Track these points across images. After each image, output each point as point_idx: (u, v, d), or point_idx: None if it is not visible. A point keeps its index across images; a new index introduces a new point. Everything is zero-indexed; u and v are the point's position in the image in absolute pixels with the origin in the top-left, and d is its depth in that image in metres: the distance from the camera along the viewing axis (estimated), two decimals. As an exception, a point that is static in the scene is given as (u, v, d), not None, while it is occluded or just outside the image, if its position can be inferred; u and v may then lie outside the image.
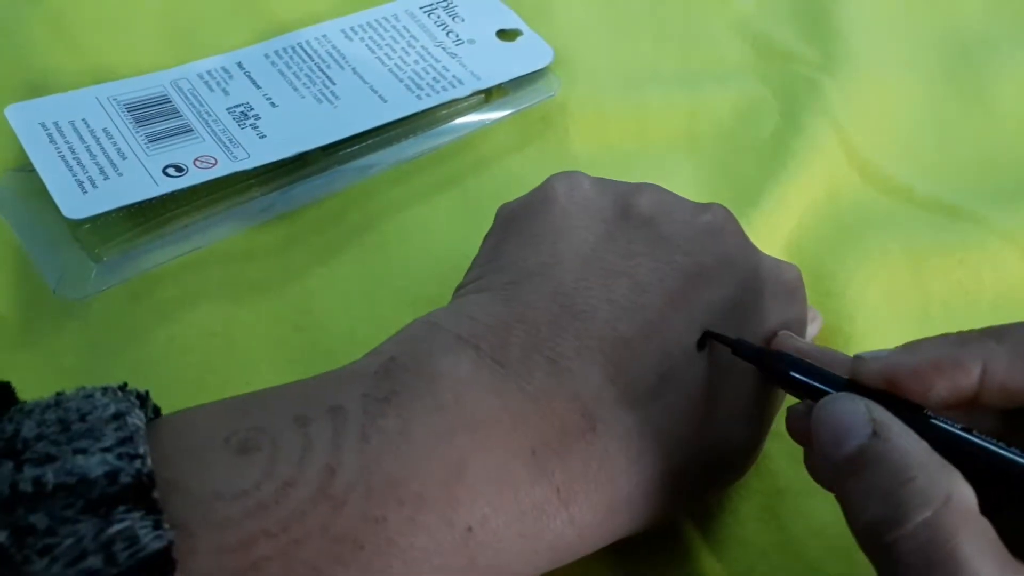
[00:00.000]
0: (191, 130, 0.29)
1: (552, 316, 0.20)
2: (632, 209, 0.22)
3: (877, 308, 0.28)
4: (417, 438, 0.18)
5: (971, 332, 0.19)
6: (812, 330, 0.25)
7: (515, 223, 0.23)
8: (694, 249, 0.22)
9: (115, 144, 0.28)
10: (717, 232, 0.22)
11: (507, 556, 0.18)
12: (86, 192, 0.26)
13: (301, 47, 0.32)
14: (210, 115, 0.29)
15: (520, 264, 0.21)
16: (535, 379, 0.19)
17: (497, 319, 0.20)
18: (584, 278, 0.21)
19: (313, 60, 0.32)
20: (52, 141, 0.28)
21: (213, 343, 0.26)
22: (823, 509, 0.23)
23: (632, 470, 0.19)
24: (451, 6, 0.35)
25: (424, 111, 0.31)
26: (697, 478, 0.21)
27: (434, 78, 0.32)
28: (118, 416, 0.16)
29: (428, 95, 0.31)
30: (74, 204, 0.26)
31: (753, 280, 0.22)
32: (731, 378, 0.21)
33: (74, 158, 0.27)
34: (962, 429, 0.17)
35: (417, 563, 0.17)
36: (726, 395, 0.21)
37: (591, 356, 0.20)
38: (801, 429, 0.20)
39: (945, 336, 0.19)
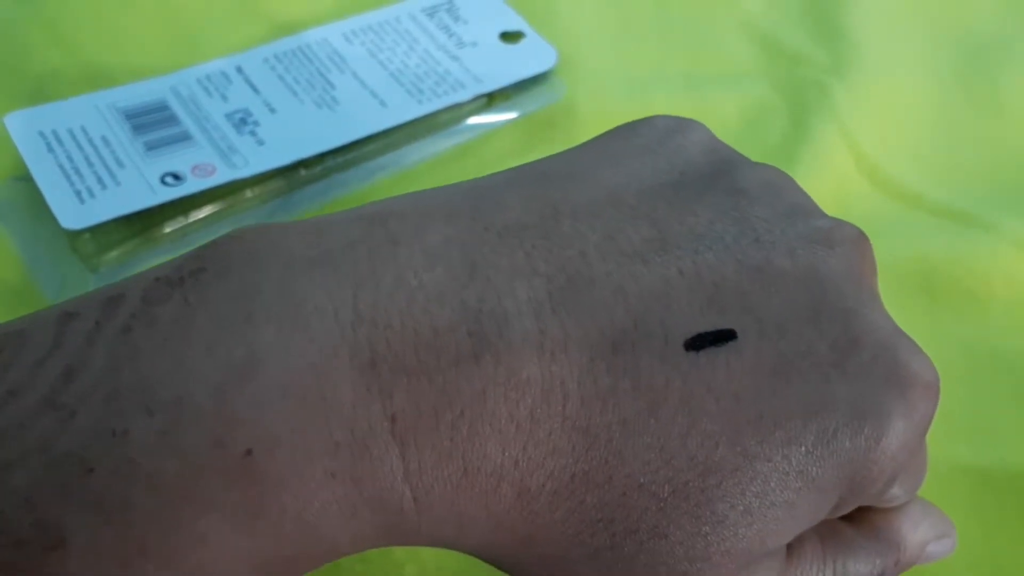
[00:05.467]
0: (190, 137, 0.28)
1: (516, 223, 0.15)
2: (730, 176, 0.17)
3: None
4: (196, 328, 0.13)
5: None
6: (940, 548, 0.18)
7: (598, 137, 0.18)
8: (775, 243, 0.16)
9: (113, 153, 0.28)
10: (826, 248, 0.16)
11: (312, 503, 0.13)
12: (84, 202, 0.26)
13: (301, 51, 0.32)
14: (208, 121, 0.29)
15: (540, 167, 0.17)
16: (427, 272, 0.14)
17: (445, 205, 0.15)
18: (597, 204, 0.16)
19: (313, 64, 0.32)
20: (51, 150, 0.27)
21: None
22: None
23: (513, 441, 0.14)
24: (454, 8, 0.34)
25: (426, 115, 0.31)
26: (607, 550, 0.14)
27: (435, 82, 0.31)
28: None
29: (429, 99, 0.31)
30: (72, 214, 0.26)
31: (843, 339, 0.15)
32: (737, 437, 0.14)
33: (72, 167, 0.27)
34: None
35: (171, 495, 0.12)
36: (715, 461, 0.14)
37: (529, 279, 0.14)
38: None
39: None
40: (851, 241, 0.17)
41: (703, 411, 0.14)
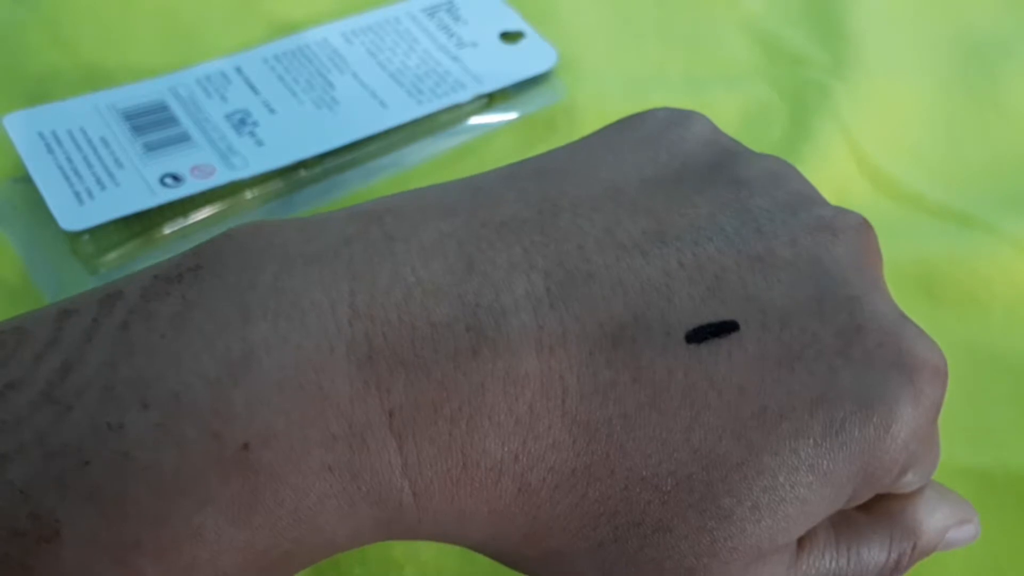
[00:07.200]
0: (189, 138, 0.28)
1: (514, 219, 0.15)
2: (731, 167, 0.17)
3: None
4: (193, 324, 0.13)
5: None
6: (961, 535, 0.18)
7: (597, 131, 0.18)
8: (777, 233, 0.15)
9: (112, 153, 0.28)
10: (829, 236, 0.16)
11: (309, 497, 0.13)
12: (83, 203, 0.26)
13: (301, 51, 0.32)
14: (208, 122, 0.29)
15: (538, 162, 0.17)
16: (424, 268, 0.14)
17: (442, 202, 0.15)
18: (596, 198, 0.15)
19: (313, 64, 0.32)
20: (50, 151, 0.27)
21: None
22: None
23: (513, 435, 0.14)
24: (453, 8, 0.34)
25: (425, 116, 0.30)
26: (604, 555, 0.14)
27: (435, 82, 0.31)
28: None
29: (429, 100, 0.31)
30: (71, 216, 0.26)
31: (848, 327, 0.15)
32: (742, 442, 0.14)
33: (72, 168, 0.27)
34: None
35: (167, 489, 0.12)
36: (715, 460, 0.14)
37: (527, 274, 0.14)
38: None
39: None
40: (854, 229, 0.16)
41: (705, 404, 0.14)
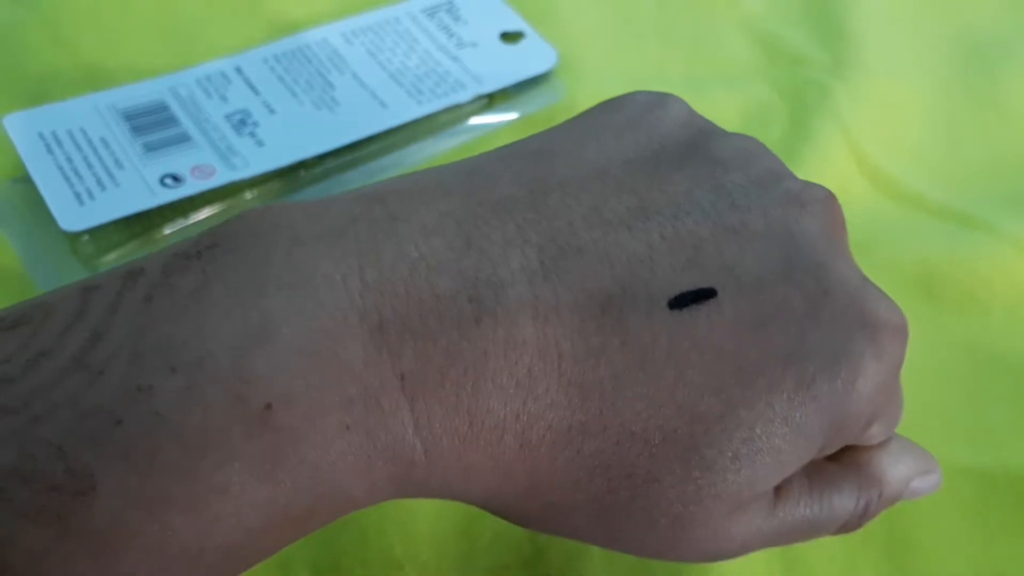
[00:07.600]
0: (189, 138, 0.28)
1: (508, 198, 0.16)
2: (706, 147, 0.18)
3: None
4: (212, 296, 0.14)
5: None
6: (925, 484, 0.19)
7: (582, 114, 0.19)
8: (750, 206, 0.16)
9: (112, 154, 0.28)
10: (797, 208, 0.17)
11: (329, 454, 0.14)
12: (83, 204, 0.26)
13: (301, 51, 0.32)
14: (208, 122, 0.29)
15: (528, 145, 0.18)
16: (426, 245, 0.15)
17: (440, 184, 0.16)
18: (583, 178, 0.17)
19: (313, 64, 0.32)
20: (50, 152, 0.27)
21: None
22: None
23: (514, 396, 0.15)
24: (453, 8, 0.34)
25: (426, 116, 0.30)
26: (600, 509, 0.16)
27: (435, 82, 0.31)
28: None
29: (429, 100, 0.31)
30: (71, 216, 0.26)
31: (816, 291, 0.16)
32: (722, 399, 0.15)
33: (72, 169, 0.27)
34: None
35: (195, 446, 0.13)
36: (699, 418, 0.15)
37: (522, 248, 0.15)
38: None
39: None
40: (820, 201, 0.17)
41: (688, 364, 0.15)
